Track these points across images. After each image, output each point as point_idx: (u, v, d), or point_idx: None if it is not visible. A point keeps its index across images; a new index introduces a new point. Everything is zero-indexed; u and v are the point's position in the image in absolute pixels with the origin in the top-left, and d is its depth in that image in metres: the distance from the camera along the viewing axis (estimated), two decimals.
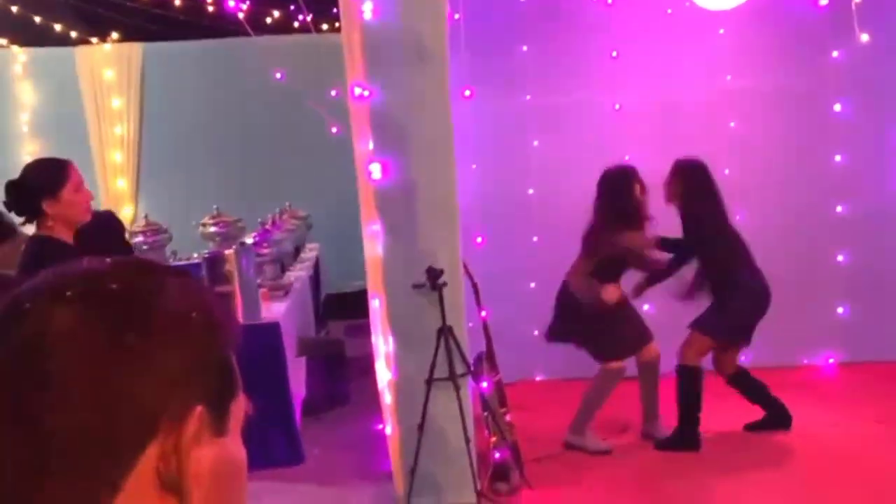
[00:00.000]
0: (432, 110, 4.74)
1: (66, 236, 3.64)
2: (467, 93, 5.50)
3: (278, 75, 7.30)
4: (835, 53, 6.67)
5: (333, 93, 5.59)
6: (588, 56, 6.71)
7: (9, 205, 3.67)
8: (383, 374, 4.98)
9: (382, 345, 4.93)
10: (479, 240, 5.66)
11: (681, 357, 5.39)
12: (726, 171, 6.66)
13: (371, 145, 4.73)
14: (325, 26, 9.44)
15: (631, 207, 5.33)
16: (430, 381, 4.67)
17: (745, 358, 6.42)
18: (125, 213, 10.15)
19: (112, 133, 10.08)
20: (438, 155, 4.75)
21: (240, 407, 0.94)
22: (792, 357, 6.43)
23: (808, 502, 4.77)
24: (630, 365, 5.56)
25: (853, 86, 6.65)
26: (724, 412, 5.60)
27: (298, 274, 7.44)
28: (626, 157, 6.16)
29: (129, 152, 10.13)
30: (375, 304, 4.96)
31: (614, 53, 6.69)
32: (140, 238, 8.99)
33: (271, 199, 8.93)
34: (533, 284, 6.69)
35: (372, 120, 4.73)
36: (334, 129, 6.15)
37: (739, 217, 6.65)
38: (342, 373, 6.81)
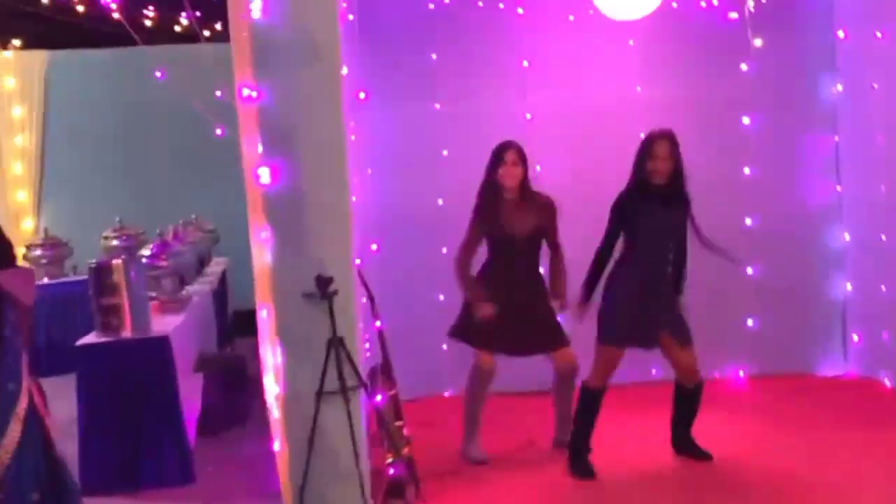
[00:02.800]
0: (323, 112, 4.55)
1: None
2: (361, 95, 5.31)
3: (158, 74, 6.99)
4: (744, 66, 6.62)
5: (218, 93, 5.36)
6: (499, 65, 6.58)
7: None
8: (271, 389, 4.74)
9: (270, 357, 4.69)
10: (373, 247, 5.44)
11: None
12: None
13: (260, 148, 4.52)
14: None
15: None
16: (319, 394, 4.45)
17: (654, 371, 6.37)
18: (25, 227, 9.76)
19: (12, 143, 9.69)
20: (330, 159, 4.55)
21: None
22: (703, 370, 6.30)
23: None
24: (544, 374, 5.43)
25: (762, 98, 6.60)
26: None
27: (199, 288, 7.15)
28: (538, 168, 6.05)
29: (29, 164, 9.75)
30: (263, 315, 4.72)
31: (525, 63, 6.57)
32: (38, 252, 8.69)
33: (180, 211, 8.62)
34: (442, 297, 6.50)
35: (261, 122, 4.51)
36: (218, 131, 5.89)
37: None
38: (242, 390, 6.53)
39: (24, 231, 9.72)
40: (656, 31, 6.54)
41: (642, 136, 6.56)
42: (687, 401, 5.24)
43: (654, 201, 5.01)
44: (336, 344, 4.47)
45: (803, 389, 6.50)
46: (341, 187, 4.57)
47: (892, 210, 6.25)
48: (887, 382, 6.41)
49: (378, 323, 5.09)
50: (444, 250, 6.50)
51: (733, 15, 6.53)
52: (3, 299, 3.40)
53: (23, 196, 9.82)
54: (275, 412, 4.72)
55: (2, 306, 3.33)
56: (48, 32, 9.46)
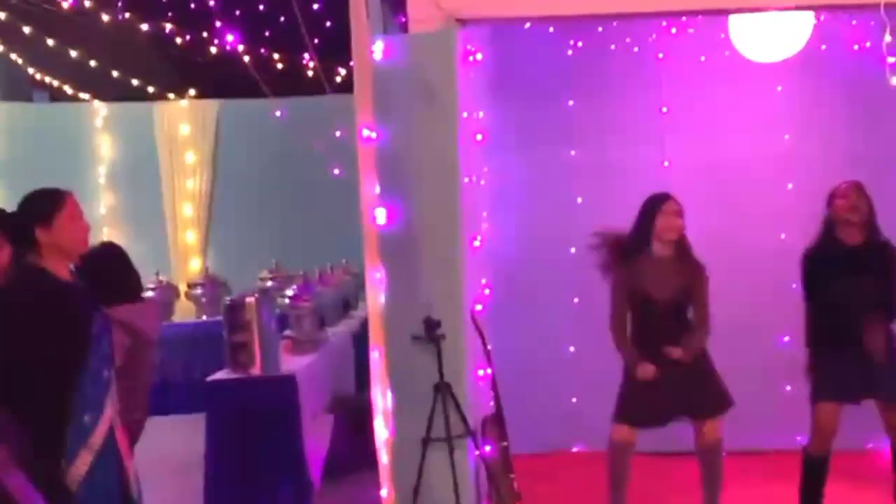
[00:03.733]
0: (438, 154, 4.57)
1: (58, 268, 3.36)
2: (479, 137, 5.28)
3: (338, 133, 7.23)
4: None
5: (338, 133, 5.46)
6: (636, 111, 6.43)
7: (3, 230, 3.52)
8: (381, 433, 4.71)
9: (381, 400, 4.67)
10: (486, 291, 5.37)
11: None
12: (783, 237, 6.27)
13: (377, 189, 4.56)
14: None
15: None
16: (426, 441, 4.41)
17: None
18: (192, 267, 10.25)
19: (184, 186, 10.24)
20: (444, 200, 4.56)
21: None
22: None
23: None
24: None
25: None
26: None
27: (339, 330, 7.27)
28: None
29: (199, 205, 10.27)
30: (375, 357, 4.72)
31: (664, 109, 6.40)
32: (198, 290, 9.12)
33: (334, 254, 8.83)
34: (572, 348, 6.35)
35: (378, 163, 4.56)
36: (336, 171, 6.01)
37: (796, 286, 6.22)
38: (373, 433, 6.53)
39: (192, 270, 10.20)
40: (806, 77, 6.25)
41: (790, 186, 6.31)
42: None
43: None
44: (443, 389, 4.42)
45: None
46: (454, 230, 4.56)
47: None
48: None
49: (489, 371, 4.99)
50: (576, 300, 6.38)
51: (892, 59, 6.13)
52: (110, 331, 3.52)
53: (192, 237, 10.32)
54: (383, 457, 4.68)
55: (107, 338, 3.44)
56: (219, 82, 9.98)
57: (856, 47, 6.17)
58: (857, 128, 6.26)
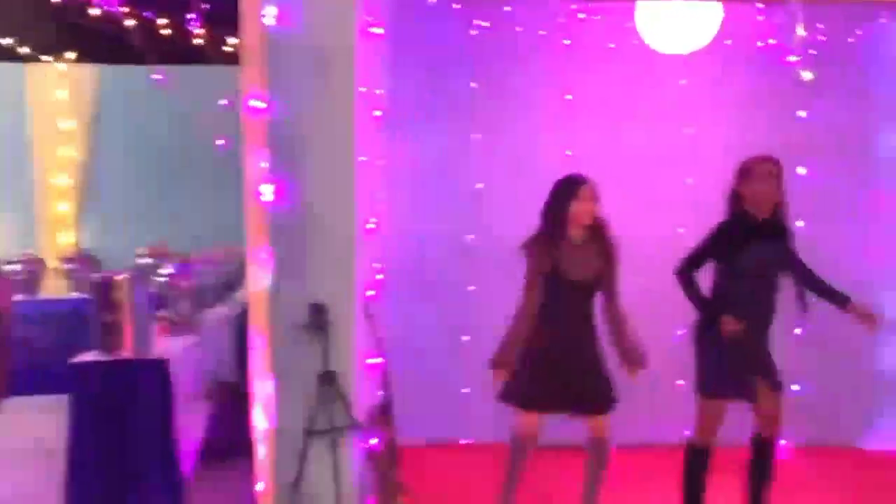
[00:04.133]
0: (335, 130, 4.28)
1: None
2: (377, 113, 5.01)
3: (224, 101, 6.79)
4: (801, 113, 6.19)
5: (223, 102, 5.11)
6: (540, 96, 6.25)
7: None
8: (260, 423, 4.42)
9: (261, 389, 4.38)
10: (379, 277, 5.11)
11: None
12: (681, 230, 6.19)
13: (265, 164, 4.25)
14: None
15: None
16: (307, 433, 4.13)
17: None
18: (65, 239, 9.66)
19: (58, 154, 9.63)
20: (337, 179, 4.27)
21: None
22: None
23: None
24: None
25: (819, 147, 6.15)
26: None
27: (220, 311, 6.89)
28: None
29: (73, 176, 9.68)
30: (257, 343, 4.42)
31: (568, 96, 6.23)
32: (69, 266, 8.58)
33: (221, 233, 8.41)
34: (466, 338, 6.15)
35: (267, 136, 4.25)
36: (221, 143, 5.66)
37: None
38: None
39: (65, 244, 9.62)
40: (708, 70, 6.18)
41: (690, 181, 6.24)
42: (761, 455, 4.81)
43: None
44: (328, 379, 4.15)
45: (850, 464, 5.98)
46: (347, 210, 4.28)
47: None
48: None
49: (380, 360, 4.74)
50: (472, 288, 6.18)
51: (793, 58, 6.11)
52: None
53: (65, 209, 9.72)
54: (261, 450, 4.40)
55: None
56: (99, 46, 9.38)
57: (760, 43, 6.13)
58: (760, 122, 6.21)
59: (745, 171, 4.62)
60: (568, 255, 4.58)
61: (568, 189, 4.61)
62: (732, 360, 4.56)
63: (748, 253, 4.55)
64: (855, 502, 5.09)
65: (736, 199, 4.64)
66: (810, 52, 5.91)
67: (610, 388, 4.67)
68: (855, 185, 6.28)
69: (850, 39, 5.88)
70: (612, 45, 6.19)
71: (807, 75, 5.00)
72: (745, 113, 6.25)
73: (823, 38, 5.96)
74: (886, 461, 6.12)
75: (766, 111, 6.23)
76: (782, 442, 6.16)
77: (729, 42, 6.03)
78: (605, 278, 4.64)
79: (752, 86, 6.23)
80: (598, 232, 4.65)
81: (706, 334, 4.64)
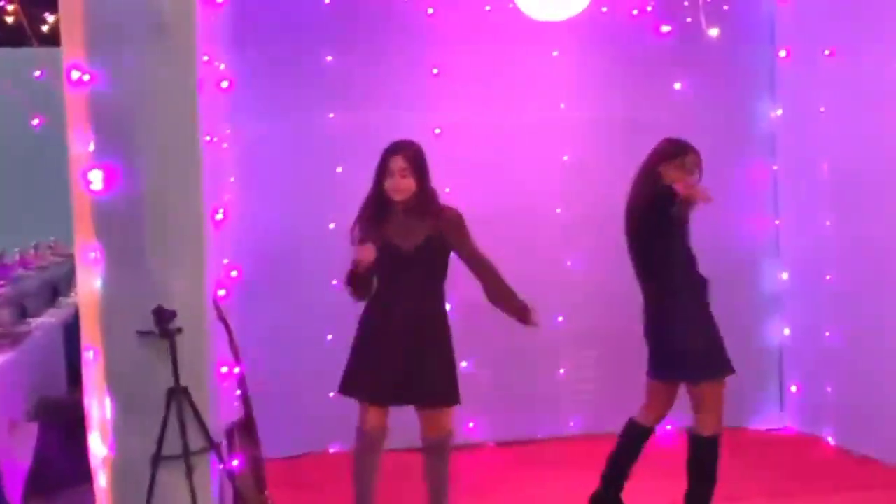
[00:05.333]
0: (175, 105, 3.68)
1: None
2: (224, 84, 4.43)
3: (38, 73, 5.97)
4: (677, 85, 5.98)
5: (37, 73, 4.40)
6: (404, 71, 5.77)
7: None
8: (98, 450, 3.79)
9: (97, 411, 3.76)
10: (233, 273, 4.54)
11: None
12: (558, 210, 5.88)
13: (92, 146, 3.62)
14: None
15: None
16: (156, 460, 3.55)
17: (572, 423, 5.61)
18: None
19: None
20: (180, 162, 3.68)
21: None
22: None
23: None
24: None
25: (694, 121, 5.90)
26: None
27: (45, 320, 6.15)
28: (447, 190, 5.23)
29: None
30: (89, 357, 3.78)
31: (434, 70, 5.77)
32: None
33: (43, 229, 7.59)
34: (330, 336, 5.64)
35: (93, 114, 3.62)
36: (36, 122, 4.94)
37: (571, 263, 5.87)
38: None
39: None
40: (582, 42, 5.89)
41: (565, 158, 5.92)
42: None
43: None
44: (178, 395, 3.57)
45: (736, 445, 5.74)
46: (193, 199, 3.70)
47: (838, 247, 5.61)
48: (830, 440, 5.74)
49: (238, 368, 4.19)
50: (335, 282, 5.65)
51: (666, 28, 5.86)
52: None
53: None
54: (101, 479, 3.78)
55: None
56: None
57: (635, 12, 5.84)
58: (636, 95, 5.97)
59: (673, 155, 4.37)
60: (396, 225, 4.24)
61: (382, 162, 4.28)
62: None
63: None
64: (738, 484, 4.84)
65: (656, 177, 4.33)
66: (687, 20, 5.69)
67: (453, 383, 4.26)
68: (729, 159, 6.07)
69: (724, 7, 5.64)
70: (479, 15, 5.76)
71: (713, 32, 4.73)
72: (618, 85, 5.96)
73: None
74: (772, 441, 5.98)
75: (641, 82, 5.97)
76: (668, 427, 5.95)
77: (605, 10, 5.72)
78: (448, 246, 4.25)
79: (626, 56, 5.95)
80: (425, 199, 4.26)
81: (698, 311, 4.31)
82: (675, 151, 4.38)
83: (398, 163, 4.20)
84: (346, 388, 4.31)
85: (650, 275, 4.38)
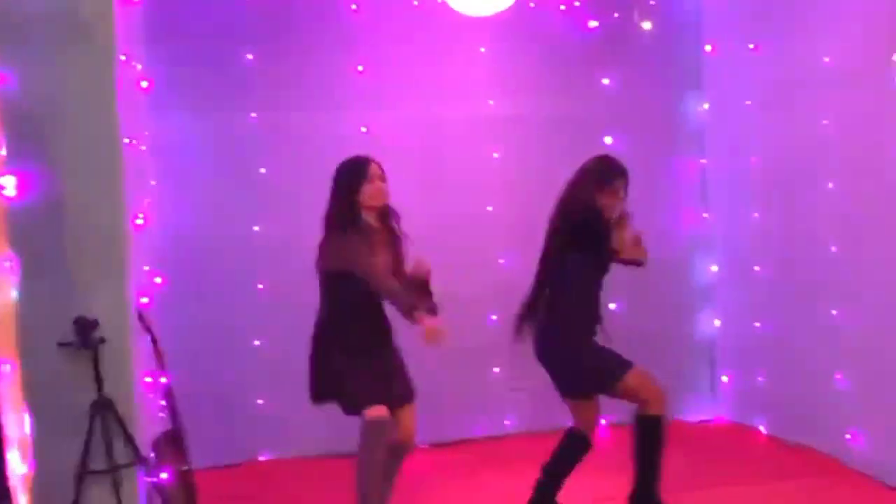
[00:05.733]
0: (93, 107, 3.56)
1: None
2: (144, 84, 4.29)
3: None
4: (605, 80, 5.97)
5: None
6: (329, 68, 5.65)
7: None
8: (17, 468, 3.62)
9: (15, 427, 3.58)
10: (157, 280, 4.39)
11: None
12: (490, 208, 5.83)
13: (3, 151, 3.47)
14: None
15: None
16: (81, 475, 3.41)
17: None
18: None
19: None
20: (99, 167, 3.57)
21: None
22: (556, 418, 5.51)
23: None
24: None
25: (624, 116, 5.96)
26: None
27: None
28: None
29: None
30: (6, 371, 3.61)
31: (360, 67, 5.67)
32: None
33: None
34: (258, 342, 5.50)
35: (5, 116, 3.47)
36: None
37: (504, 261, 5.82)
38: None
39: None
40: (510, 37, 5.83)
41: (495, 155, 5.87)
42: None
43: None
44: (103, 409, 3.44)
45: (670, 438, 5.77)
46: (113, 204, 3.57)
47: (766, 239, 5.67)
48: (762, 429, 5.79)
49: (164, 378, 4.05)
50: (261, 286, 5.53)
51: (594, 24, 5.87)
52: None
53: None
54: (21, 500, 3.60)
55: None
56: None
57: (563, 7, 5.83)
58: (566, 91, 5.93)
59: (606, 182, 4.33)
60: (371, 243, 4.09)
61: (355, 170, 4.13)
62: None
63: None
64: (673, 475, 4.83)
65: (589, 204, 4.30)
66: (614, 15, 5.69)
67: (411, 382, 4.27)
68: (659, 154, 6.10)
69: (651, 2, 5.65)
70: (405, 11, 5.67)
71: (646, 25, 4.71)
72: (547, 81, 5.93)
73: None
74: (705, 431, 6.01)
75: (570, 78, 5.95)
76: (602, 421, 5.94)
77: (533, 5, 5.70)
78: (398, 266, 4.20)
79: (555, 52, 5.92)
80: (387, 217, 4.22)
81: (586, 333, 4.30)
82: (607, 178, 4.34)
83: (376, 168, 4.14)
84: (371, 399, 3.99)
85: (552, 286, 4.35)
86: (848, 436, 4.97)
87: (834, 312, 5.07)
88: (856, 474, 4.90)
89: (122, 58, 3.80)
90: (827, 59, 5.03)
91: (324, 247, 4.03)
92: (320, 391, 4.08)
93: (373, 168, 4.14)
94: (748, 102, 5.72)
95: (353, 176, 4.11)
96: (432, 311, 3.97)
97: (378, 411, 3.92)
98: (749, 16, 5.72)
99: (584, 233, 4.24)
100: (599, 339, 4.32)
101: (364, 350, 4.04)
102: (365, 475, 3.91)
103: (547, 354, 4.31)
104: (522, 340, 4.38)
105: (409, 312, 3.88)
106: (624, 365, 4.26)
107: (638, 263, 4.45)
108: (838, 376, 5.05)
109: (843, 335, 5.03)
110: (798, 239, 5.42)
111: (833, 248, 5.08)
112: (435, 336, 3.85)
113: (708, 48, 6.06)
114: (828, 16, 5.03)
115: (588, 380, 4.28)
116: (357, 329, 4.05)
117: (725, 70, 5.98)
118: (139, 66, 4.62)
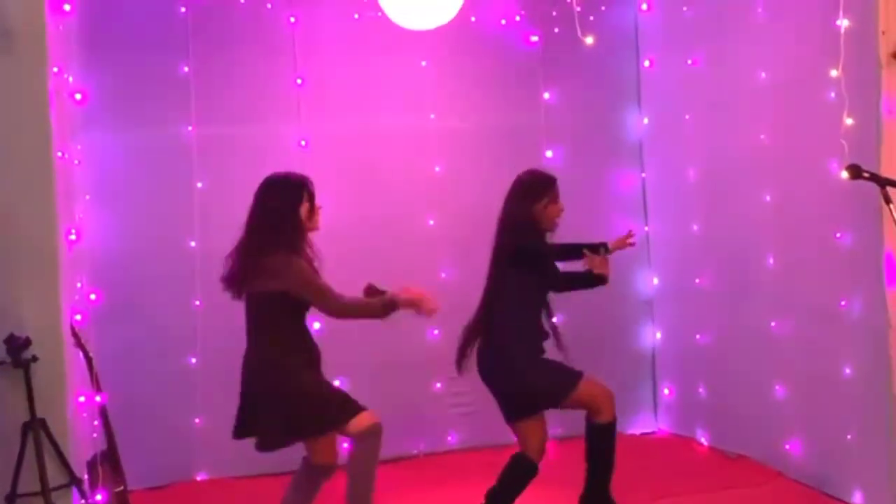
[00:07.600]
0: (24, 118, 3.46)
1: None
2: (78, 96, 4.18)
3: None
4: (546, 95, 6.01)
5: None
6: (267, 81, 5.58)
7: None
8: None
9: None
10: (92, 297, 4.28)
11: None
12: (431, 223, 5.80)
13: None
14: None
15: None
16: (11, 498, 3.30)
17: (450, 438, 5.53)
18: None
19: None
20: (30, 181, 3.46)
21: None
22: (499, 436, 5.49)
23: None
24: None
25: (565, 130, 6.01)
26: None
27: None
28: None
29: None
30: None
31: (299, 80, 5.61)
32: None
33: None
34: (194, 360, 5.39)
35: None
36: None
37: (445, 275, 5.79)
38: None
39: None
40: (451, 51, 5.84)
41: (437, 169, 5.84)
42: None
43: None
44: (35, 428, 3.33)
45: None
46: (46, 219, 3.47)
47: (706, 251, 5.72)
48: (703, 441, 5.84)
49: (98, 397, 3.94)
50: (198, 303, 5.42)
51: (535, 38, 5.90)
52: None
53: None
54: None
55: None
56: None
57: (504, 21, 5.85)
58: (507, 104, 5.96)
59: (542, 195, 4.33)
60: (313, 267, 3.98)
61: (296, 190, 3.97)
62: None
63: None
64: (616, 488, 4.82)
65: (532, 220, 4.31)
66: (555, 30, 5.72)
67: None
68: (600, 167, 6.14)
69: (590, 18, 5.69)
70: (344, 24, 5.64)
71: (588, 40, 4.73)
72: (488, 95, 5.95)
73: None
74: (647, 444, 6.02)
75: (511, 91, 5.98)
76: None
77: (474, 19, 5.72)
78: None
79: (496, 66, 5.94)
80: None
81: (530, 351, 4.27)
82: (542, 191, 4.35)
83: (313, 188, 4.02)
84: (345, 413, 3.90)
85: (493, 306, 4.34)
86: (787, 446, 5.03)
87: (773, 324, 5.13)
88: (795, 483, 4.96)
89: (55, 70, 3.70)
90: (763, 74, 5.11)
91: (272, 267, 3.82)
92: (291, 422, 3.84)
93: (311, 187, 4.02)
94: (687, 116, 5.79)
95: (293, 194, 3.96)
96: (393, 296, 3.90)
97: (370, 417, 3.85)
98: (686, 31, 5.79)
99: (523, 250, 4.24)
100: (549, 353, 4.30)
101: (315, 369, 3.96)
102: (365, 488, 3.85)
103: (491, 375, 4.29)
104: (467, 368, 4.33)
105: (384, 308, 3.85)
106: (574, 376, 4.26)
107: (602, 282, 4.41)
108: (777, 387, 5.11)
109: (780, 346, 5.10)
110: (736, 250, 5.48)
111: (770, 260, 5.15)
112: (423, 301, 3.86)
113: (646, 63, 6.14)
114: (763, 31, 5.11)
115: (540, 396, 4.26)
116: (306, 347, 3.95)
117: (664, 84, 6.05)
118: (72, 79, 4.51)
